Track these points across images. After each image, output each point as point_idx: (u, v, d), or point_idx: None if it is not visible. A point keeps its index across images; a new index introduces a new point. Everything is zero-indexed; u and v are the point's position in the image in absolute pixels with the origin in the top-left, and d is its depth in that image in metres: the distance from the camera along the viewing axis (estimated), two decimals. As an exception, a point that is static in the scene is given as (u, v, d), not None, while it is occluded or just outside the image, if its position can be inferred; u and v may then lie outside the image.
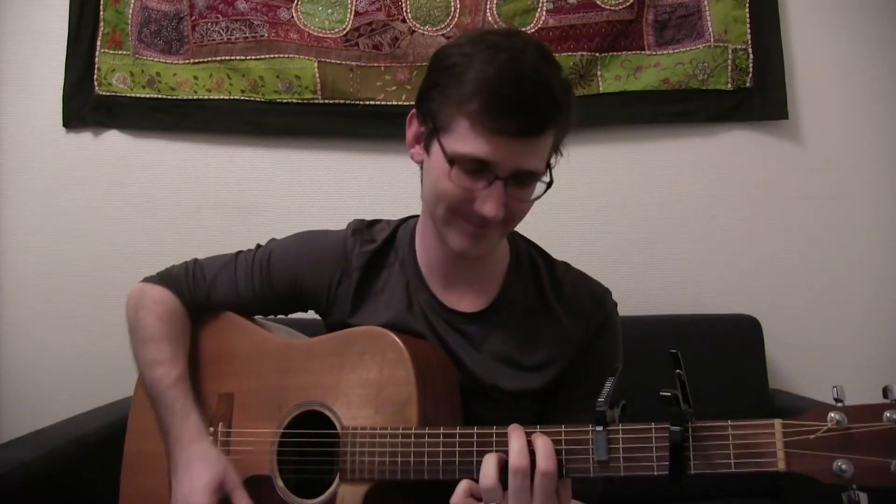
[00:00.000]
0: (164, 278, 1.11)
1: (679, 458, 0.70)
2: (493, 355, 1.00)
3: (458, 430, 0.83)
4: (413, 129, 0.95)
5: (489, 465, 0.77)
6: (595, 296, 1.04)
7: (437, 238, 0.97)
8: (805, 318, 1.95)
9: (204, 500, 0.92)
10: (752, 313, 1.80)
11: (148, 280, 1.11)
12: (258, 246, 1.12)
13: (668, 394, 0.70)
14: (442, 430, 0.84)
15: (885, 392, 0.65)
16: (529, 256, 1.07)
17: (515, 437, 0.76)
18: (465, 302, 1.02)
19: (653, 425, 0.73)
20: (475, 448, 0.81)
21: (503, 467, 0.76)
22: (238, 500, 0.94)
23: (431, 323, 1.01)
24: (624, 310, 1.12)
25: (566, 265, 1.08)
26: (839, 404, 0.67)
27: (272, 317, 1.18)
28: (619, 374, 0.79)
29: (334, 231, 1.09)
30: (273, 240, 1.12)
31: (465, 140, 0.84)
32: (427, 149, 0.92)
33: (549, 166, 0.90)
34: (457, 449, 0.82)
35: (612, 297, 1.06)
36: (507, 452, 0.76)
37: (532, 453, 0.75)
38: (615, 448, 0.74)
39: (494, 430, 0.80)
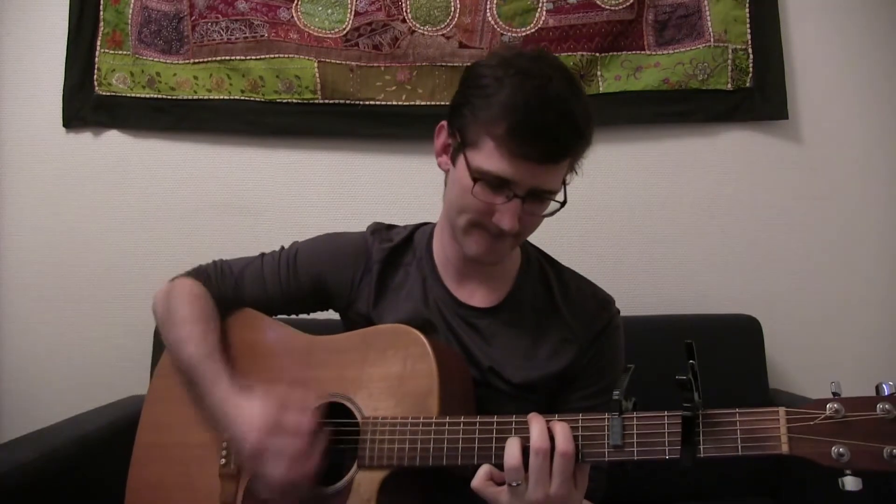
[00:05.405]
0: (192, 273, 1.16)
1: (690, 443, 0.75)
2: (503, 348, 1.05)
3: (477, 419, 0.87)
4: (441, 139, 1.02)
5: (513, 447, 0.81)
6: (599, 300, 1.11)
7: (454, 239, 1.04)
8: (805, 318, 1.95)
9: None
10: (752, 313, 1.79)
11: (176, 277, 1.16)
12: (282, 248, 1.18)
13: (684, 378, 0.74)
14: (462, 419, 0.87)
15: (878, 389, 0.71)
16: (539, 262, 1.13)
17: (536, 422, 0.82)
18: (478, 297, 1.08)
19: (665, 413, 0.78)
20: (494, 434, 0.85)
21: (524, 450, 0.81)
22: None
23: (445, 316, 1.07)
24: (624, 310, 1.14)
25: (573, 272, 1.14)
26: (836, 397, 0.72)
27: (293, 317, 1.21)
28: (632, 371, 0.83)
29: (354, 232, 1.17)
30: (296, 242, 1.18)
31: (490, 159, 0.91)
32: (453, 160, 0.99)
33: (564, 184, 0.97)
34: (476, 436, 0.86)
35: (616, 305, 1.12)
36: (527, 438, 0.81)
37: (552, 438, 0.80)
38: (629, 434, 0.79)
39: (514, 419, 0.85)
